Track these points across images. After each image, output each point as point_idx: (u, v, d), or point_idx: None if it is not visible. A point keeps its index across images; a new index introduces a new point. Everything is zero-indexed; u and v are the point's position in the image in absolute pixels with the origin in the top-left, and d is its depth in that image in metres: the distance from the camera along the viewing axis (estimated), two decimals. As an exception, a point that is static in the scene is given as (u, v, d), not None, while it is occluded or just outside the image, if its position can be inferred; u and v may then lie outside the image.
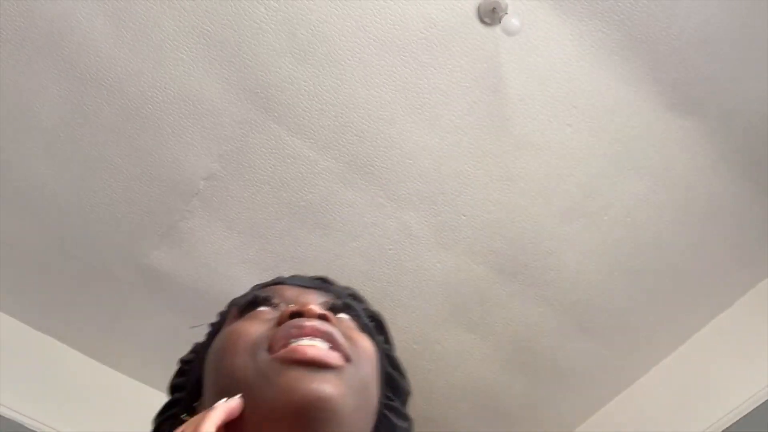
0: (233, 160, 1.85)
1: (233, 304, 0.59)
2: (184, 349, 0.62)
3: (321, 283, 0.62)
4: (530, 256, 2.07)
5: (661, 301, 2.20)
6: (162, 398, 0.58)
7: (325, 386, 0.45)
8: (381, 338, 0.60)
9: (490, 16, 1.62)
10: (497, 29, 1.64)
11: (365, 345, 0.53)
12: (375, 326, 0.61)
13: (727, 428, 2.06)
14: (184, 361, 0.61)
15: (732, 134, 1.85)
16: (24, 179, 1.86)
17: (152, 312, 2.18)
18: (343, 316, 0.57)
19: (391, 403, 0.56)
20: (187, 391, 0.56)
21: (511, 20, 1.55)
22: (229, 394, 0.46)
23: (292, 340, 0.47)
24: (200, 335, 0.61)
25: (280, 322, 0.50)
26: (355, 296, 0.63)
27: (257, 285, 0.63)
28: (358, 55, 1.68)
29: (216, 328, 0.59)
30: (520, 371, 2.36)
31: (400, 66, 1.70)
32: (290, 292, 0.58)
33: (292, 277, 0.64)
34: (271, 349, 0.48)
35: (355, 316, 0.58)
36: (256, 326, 0.52)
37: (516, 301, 2.17)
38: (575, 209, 1.98)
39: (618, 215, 1.99)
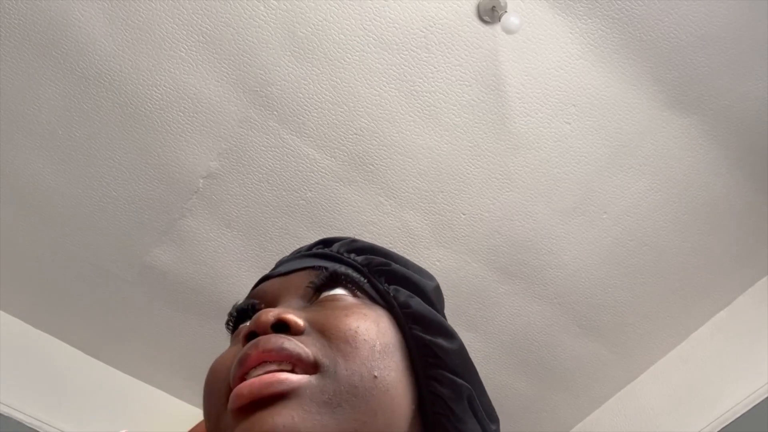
0: (232, 158, 1.85)
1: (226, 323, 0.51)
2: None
3: (310, 256, 0.53)
4: (529, 254, 2.07)
5: (660, 299, 2.20)
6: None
7: (275, 420, 0.37)
8: (404, 293, 0.49)
9: (489, 14, 1.62)
10: (497, 27, 1.64)
11: (351, 326, 0.43)
12: (389, 280, 0.50)
13: (726, 426, 2.07)
14: None
15: (731, 133, 1.85)
16: (23, 177, 1.86)
17: (151, 310, 2.19)
18: (334, 292, 0.47)
19: (431, 371, 0.46)
20: None
21: (511, 18, 1.55)
22: None
23: (247, 375, 0.40)
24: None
25: (243, 346, 0.43)
26: (358, 250, 0.53)
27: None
28: (358, 54, 1.68)
29: None
30: (518, 369, 2.36)
31: (399, 64, 1.70)
32: (272, 287, 0.50)
33: (278, 263, 0.56)
34: (230, 394, 0.41)
35: (351, 283, 0.48)
36: (228, 358, 0.44)
37: (515, 299, 2.18)
38: (574, 208, 1.98)
39: (617, 214, 1.99)
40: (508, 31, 1.57)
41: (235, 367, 0.40)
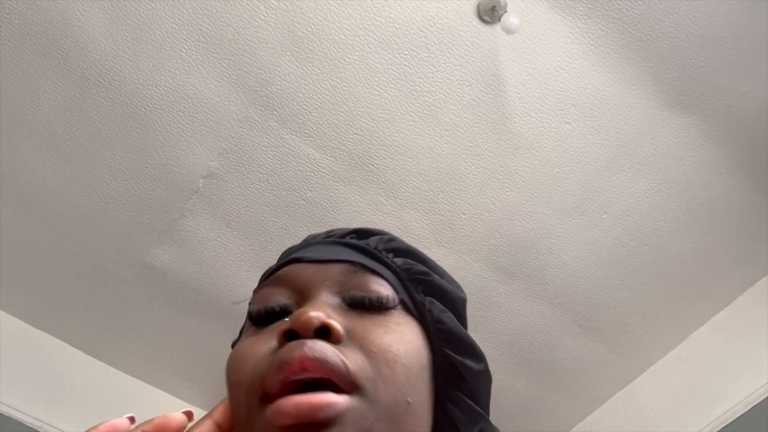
0: (233, 158, 1.85)
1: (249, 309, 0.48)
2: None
3: (346, 245, 0.50)
4: (529, 254, 2.07)
5: (660, 299, 2.20)
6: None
7: None
8: (438, 307, 0.48)
9: (489, 14, 1.62)
10: (497, 27, 1.64)
11: (392, 348, 0.42)
12: (426, 290, 0.48)
13: (726, 426, 2.07)
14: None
15: (731, 133, 1.85)
16: (23, 177, 1.86)
17: (151, 310, 2.19)
18: None
19: (452, 393, 0.46)
20: None
21: (511, 18, 1.55)
22: None
23: (287, 381, 0.40)
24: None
25: (279, 344, 0.42)
26: (396, 251, 0.51)
27: (279, 260, 0.52)
28: (358, 54, 1.68)
29: (242, 328, 0.51)
30: (518, 369, 2.36)
31: (399, 64, 1.70)
32: (305, 273, 0.47)
33: (308, 243, 0.53)
34: (266, 396, 0.40)
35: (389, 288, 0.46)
36: (258, 349, 0.43)
37: (515, 299, 2.18)
38: (574, 208, 1.98)
39: (617, 214, 1.99)
40: (508, 31, 1.57)
41: (275, 368, 0.40)
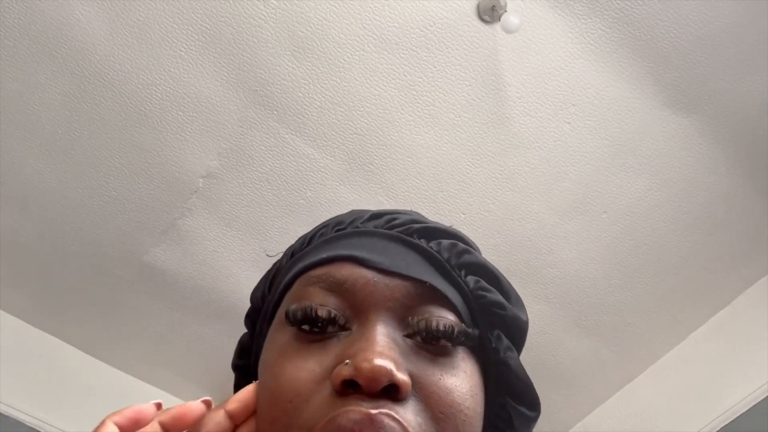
0: (232, 157, 1.85)
1: (290, 312, 0.42)
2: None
3: (416, 248, 0.45)
4: (529, 254, 2.07)
5: (659, 298, 2.20)
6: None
7: None
8: (505, 344, 0.44)
9: (489, 13, 1.62)
10: (496, 27, 1.64)
11: (462, 411, 0.39)
12: (496, 323, 0.44)
13: (725, 426, 2.07)
14: (242, 345, 0.52)
15: (731, 133, 1.85)
16: (23, 177, 1.86)
17: (151, 309, 2.19)
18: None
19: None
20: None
21: (510, 18, 1.55)
22: None
23: None
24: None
25: (333, 384, 0.38)
26: (469, 267, 0.45)
27: (323, 240, 0.47)
28: (358, 53, 1.68)
29: (269, 307, 0.47)
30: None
31: (399, 64, 1.70)
32: (365, 290, 0.42)
33: (366, 234, 0.46)
34: None
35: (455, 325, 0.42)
36: (305, 374, 0.39)
37: (515, 299, 2.18)
38: (574, 207, 1.98)
39: (617, 213, 1.99)
40: (508, 31, 1.57)
41: (333, 429, 0.36)
